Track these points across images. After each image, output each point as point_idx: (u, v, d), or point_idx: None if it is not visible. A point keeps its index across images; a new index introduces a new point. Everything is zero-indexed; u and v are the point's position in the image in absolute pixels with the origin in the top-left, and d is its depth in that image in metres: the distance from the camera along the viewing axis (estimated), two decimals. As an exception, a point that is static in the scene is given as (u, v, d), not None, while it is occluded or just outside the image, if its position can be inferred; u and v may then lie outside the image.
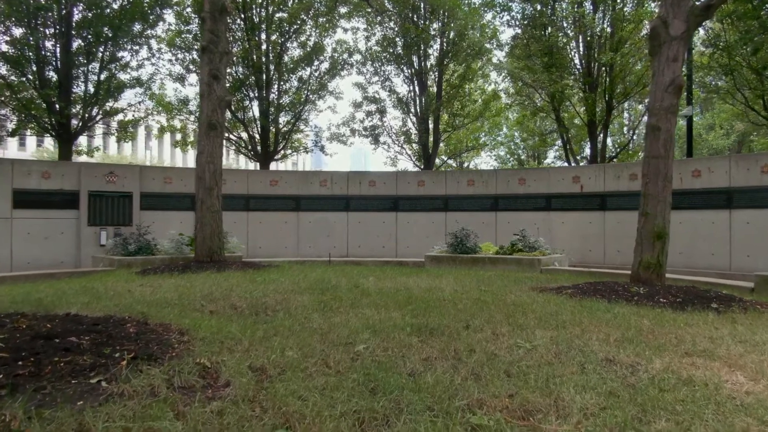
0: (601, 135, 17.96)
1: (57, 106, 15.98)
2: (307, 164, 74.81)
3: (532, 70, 17.09)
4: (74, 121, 16.89)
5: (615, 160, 20.12)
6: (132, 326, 4.76)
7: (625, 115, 25.73)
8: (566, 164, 21.41)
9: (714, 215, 13.80)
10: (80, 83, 17.21)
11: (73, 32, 16.99)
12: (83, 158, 18.66)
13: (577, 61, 18.01)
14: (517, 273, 11.64)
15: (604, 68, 17.11)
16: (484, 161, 34.38)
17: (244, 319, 5.46)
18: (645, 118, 24.12)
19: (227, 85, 18.12)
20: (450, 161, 27.31)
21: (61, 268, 14.06)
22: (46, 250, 14.48)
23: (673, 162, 8.33)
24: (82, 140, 20.86)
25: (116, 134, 18.57)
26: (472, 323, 5.43)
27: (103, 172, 15.54)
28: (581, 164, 21.09)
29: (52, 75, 16.64)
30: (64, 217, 14.91)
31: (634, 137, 22.96)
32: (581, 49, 17.64)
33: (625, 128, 27.33)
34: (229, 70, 19.32)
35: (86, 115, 16.89)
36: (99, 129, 18.52)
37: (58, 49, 16.42)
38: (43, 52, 16.44)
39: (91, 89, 17.25)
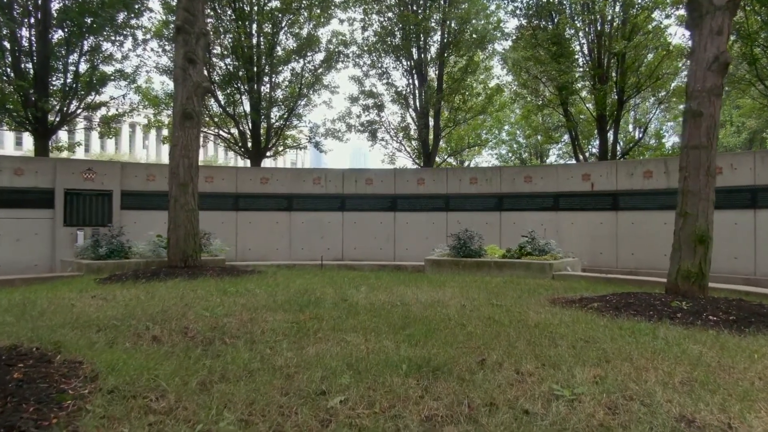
0: (612, 131, 16.57)
1: (33, 99, 14.61)
2: (306, 163, 73.41)
3: (539, 60, 15.68)
4: (53, 116, 15.49)
5: (626, 157, 18.75)
6: (26, 366, 3.39)
7: (631, 113, 24.33)
8: (574, 161, 20.03)
9: (737, 215, 12.44)
10: (59, 75, 15.81)
11: (53, 21, 15.62)
12: (65, 154, 17.27)
13: (586, 51, 16.60)
14: (527, 279, 10.27)
15: (615, 58, 15.69)
16: (485, 160, 32.98)
17: (190, 351, 4.08)
18: (651, 115, 22.77)
19: (217, 75, 16.87)
20: (450, 159, 25.90)
21: (33, 272, 12.71)
22: (18, 253, 13.10)
23: (716, 153, 6.96)
24: (63, 136, 19.56)
25: (99, 130, 17.16)
26: (487, 356, 4.06)
27: (81, 168, 14.15)
28: (590, 161, 19.67)
29: (29, 67, 15.26)
30: (37, 217, 13.54)
31: (642, 134, 21.49)
32: (591, 37, 16.21)
33: (630, 125, 25.91)
34: (219, 63, 17.98)
35: (64, 109, 15.49)
36: (81, 125, 17.13)
37: (34, 39, 15.04)
38: (19, 42, 15.06)
39: (71, 82, 15.85)
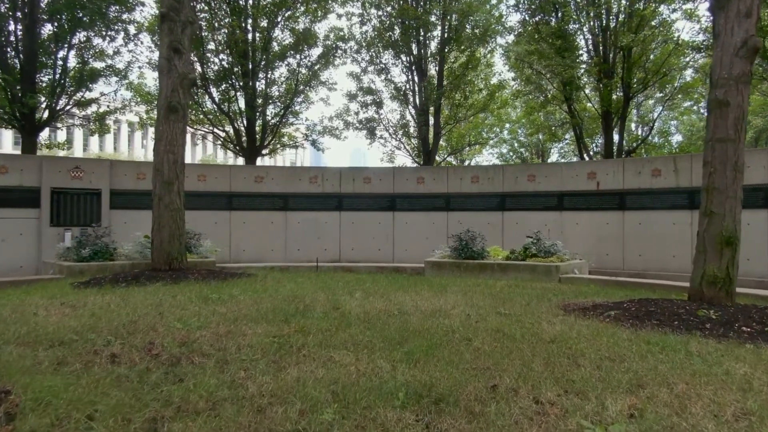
0: (617, 128, 15.86)
1: (19, 95, 13.93)
2: (306, 162, 72.60)
3: (543, 55, 14.97)
4: (40, 113, 14.81)
5: (631, 156, 18.05)
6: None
7: (634, 111, 23.61)
8: (578, 159, 19.30)
9: (750, 215, 11.72)
10: (48, 71, 15.14)
11: (43, 15, 14.96)
12: (63, 153, 16.56)
13: (591, 46, 15.88)
14: (533, 283, 9.61)
15: (621, 53, 14.96)
16: (486, 159, 32.19)
17: (149, 374, 3.42)
18: (656, 113, 22.06)
19: (212, 71, 16.13)
20: (450, 159, 25.17)
21: (18, 274, 12.06)
22: (2, 254, 12.44)
23: (744, 147, 6.30)
24: (59, 135, 18.85)
25: (91, 127, 16.46)
26: (499, 380, 3.39)
27: (68, 166, 13.47)
28: (595, 159, 18.95)
29: (16, 62, 14.59)
30: (23, 217, 12.87)
31: (648, 132, 20.71)
32: (597, 31, 15.49)
33: (633, 124, 25.19)
34: (214, 59, 17.29)
35: (53, 105, 14.81)
36: (73, 122, 16.43)
37: (20, 33, 14.37)
38: (5, 36, 14.39)
39: (60, 77, 15.18)
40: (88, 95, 15.97)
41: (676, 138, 26.94)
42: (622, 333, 4.88)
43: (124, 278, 8.08)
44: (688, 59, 16.22)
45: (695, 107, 23.02)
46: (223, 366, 3.62)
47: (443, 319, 5.16)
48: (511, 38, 17.31)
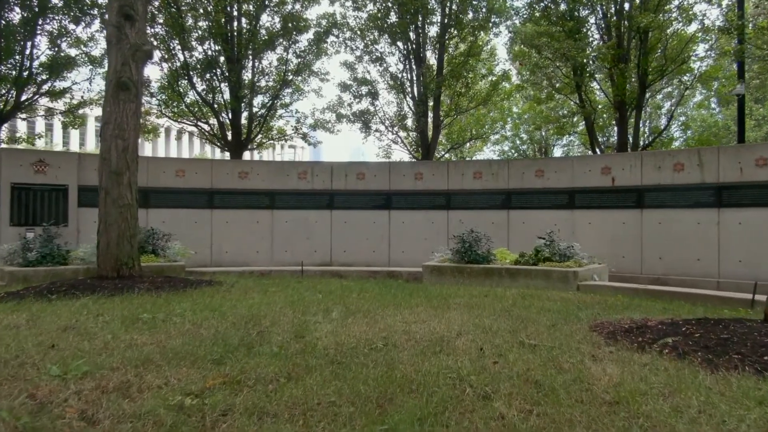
0: (633, 120, 14.22)
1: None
2: (304, 159, 70.88)
3: (553, 37, 13.31)
4: (1, 103, 13.22)
5: (648, 150, 16.39)
6: None
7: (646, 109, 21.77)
8: (590, 153, 17.59)
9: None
10: (17, 58, 13.54)
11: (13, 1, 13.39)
12: (47, 147, 14.96)
13: (603, 28, 14.20)
14: (549, 291, 8.02)
15: (636, 37, 13.28)
16: (486, 157, 30.42)
17: None
18: (672, 103, 20.29)
19: (196, 61, 14.46)
20: (448, 155, 23.45)
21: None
22: (-47, 257, 10.82)
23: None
24: (22, 126, 17.31)
25: (62, 119, 14.87)
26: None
27: (31, 159, 11.87)
28: (609, 153, 17.22)
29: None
30: (-21, 216, 11.29)
31: (666, 124, 18.86)
32: (610, 13, 13.83)
33: (641, 121, 23.43)
34: (199, 48, 15.67)
35: (18, 95, 13.21)
36: (42, 113, 14.86)
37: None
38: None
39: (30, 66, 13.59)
40: (61, 85, 14.40)
41: (680, 135, 25.24)
42: (703, 378, 3.27)
43: (59, 288, 6.49)
44: (707, 46, 14.64)
45: (705, 102, 21.43)
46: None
47: (446, 357, 3.54)
48: (517, 22, 15.67)
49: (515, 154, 28.02)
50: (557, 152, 27.46)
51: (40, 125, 28.33)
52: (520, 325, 4.74)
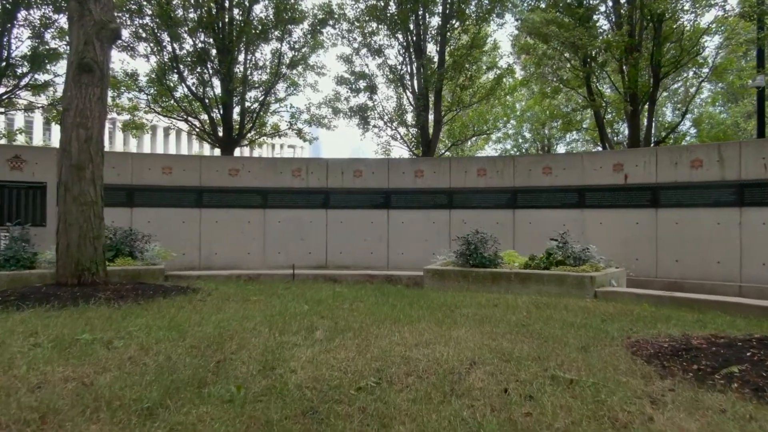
0: (646, 114, 13.26)
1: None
2: (305, 156, 69.86)
3: (562, 25, 12.34)
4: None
5: (662, 145, 15.40)
6: None
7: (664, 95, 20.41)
8: (600, 149, 16.58)
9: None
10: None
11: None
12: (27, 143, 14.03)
13: (614, 17, 13.22)
14: (565, 299, 7.10)
15: (650, 25, 12.29)
16: (488, 155, 29.42)
17: None
18: (688, 96, 19.29)
19: (186, 53, 13.48)
20: (449, 154, 22.50)
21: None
22: None
23: None
24: None
25: (45, 115, 13.97)
26: None
27: (6, 155, 10.98)
28: (621, 149, 16.21)
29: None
30: (-50, 216, 10.39)
31: (681, 118, 17.80)
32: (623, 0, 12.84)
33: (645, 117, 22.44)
34: (189, 40, 14.73)
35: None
36: (21, 107, 13.96)
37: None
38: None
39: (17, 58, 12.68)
40: (45, 78, 13.50)
41: (690, 132, 24.26)
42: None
43: (8, 297, 5.57)
44: (722, 38, 13.69)
45: (718, 97, 20.43)
46: None
47: (459, 403, 2.62)
48: (524, 9, 14.69)
49: (518, 153, 27.06)
50: (561, 150, 26.48)
51: (19, 120, 27.18)
52: (546, 349, 3.82)
